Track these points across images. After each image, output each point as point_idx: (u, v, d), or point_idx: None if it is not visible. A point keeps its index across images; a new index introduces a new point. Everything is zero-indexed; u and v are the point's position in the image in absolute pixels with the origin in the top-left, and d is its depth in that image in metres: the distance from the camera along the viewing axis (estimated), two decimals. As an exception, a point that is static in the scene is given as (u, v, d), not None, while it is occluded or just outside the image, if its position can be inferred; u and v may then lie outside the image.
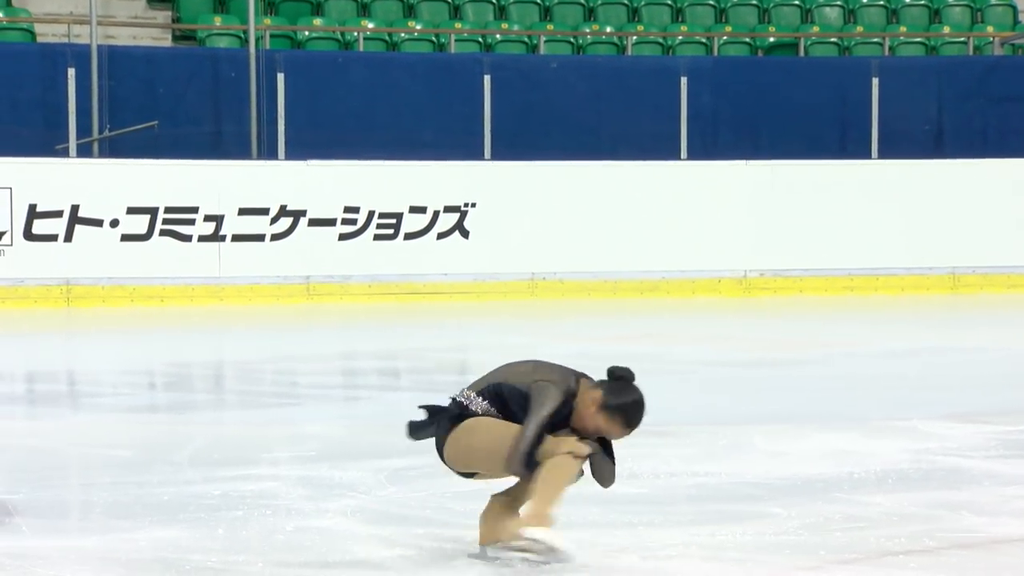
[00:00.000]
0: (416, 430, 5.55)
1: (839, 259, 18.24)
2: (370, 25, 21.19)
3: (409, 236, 17.52)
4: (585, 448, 5.31)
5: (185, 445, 8.20)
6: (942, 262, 18.43)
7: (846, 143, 19.82)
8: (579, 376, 5.43)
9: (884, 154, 19.30)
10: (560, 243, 17.79)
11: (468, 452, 5.42)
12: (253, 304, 16.99)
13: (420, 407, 5.54)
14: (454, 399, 5.48)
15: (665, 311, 16.91)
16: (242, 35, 19.86)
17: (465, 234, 17.62)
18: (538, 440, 5.28)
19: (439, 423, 5.48)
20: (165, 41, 21.11)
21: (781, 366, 12.11)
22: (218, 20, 20.91)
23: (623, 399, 5.36)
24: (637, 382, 5.39)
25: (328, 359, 13.06)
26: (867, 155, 19.35)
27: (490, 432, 5.37)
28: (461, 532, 5.90)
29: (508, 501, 5.51)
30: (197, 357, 13.38)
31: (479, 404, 5.42)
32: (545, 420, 5.30)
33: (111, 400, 10.71)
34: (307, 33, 20.95)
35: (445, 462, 5.52)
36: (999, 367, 12.06)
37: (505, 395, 5.40)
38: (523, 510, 5.40)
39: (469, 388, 5.48)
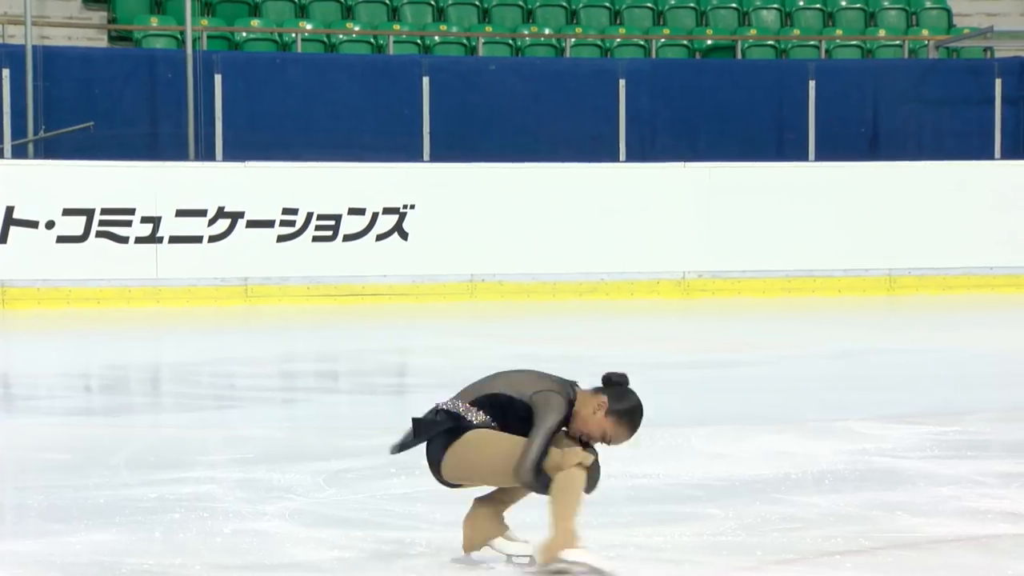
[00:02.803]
0: (402, 445, 5.38)
1: (777, 261, 18.34)
2: (308, 26, 21.14)
3: (348, 238, 17.48)
4: (590, 457, 5.24)
5: (122, 448, 8.16)
6: (878, 264, 18.56)
7: (783, 145, 19.93)
8: (573, 383, 5.38)
9: (820, 156, 19.42)
10: (499, 245, 17.80)
11: (472, 465, 5.27)
12: (191, 306, 16.91)
13: (413, 420, 5.35)
14: (445, 410, 5.30)
15: (604, 313, 16.95)
16: (179, 36, 19.77)
17: (404, 236, 17.60)
18: (546, 451, 5.20)
19: (432, 436, 5.30)
20: (101, 42, 20.98)
21: (719, 368, 12.16)
22: (154, 21, 20.80)
23: (629, 404, 5.34)
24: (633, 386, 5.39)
25: (266, 361, 13.02)
26: (804, 157, 19.47)
27: (496, 445, 5.24)
28: (400, 534, 5.90)
29: (493, 505, 5.42)
30: (134, 359, 13.31)
31: (475, 415, 5.28)
32: (552, 430, 5.22)
33: (47, 403, 10.64)
34: (244, 34, 20.87)
35: (439, 475, 5.33)
36: (934, 368, 12.15)
37: (504, 405, 5.28)
38: (550, 534, 5.22)
39: (457, 398, 5.32)
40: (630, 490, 6.65)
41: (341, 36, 21.11)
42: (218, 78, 18.23)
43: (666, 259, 18.15)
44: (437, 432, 5.30)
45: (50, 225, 16.76)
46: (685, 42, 22.22)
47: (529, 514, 5.50)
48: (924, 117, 20.40)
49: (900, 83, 20.53)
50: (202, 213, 17.13)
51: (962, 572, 5.48)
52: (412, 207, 17.64)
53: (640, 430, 5.44)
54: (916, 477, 7.16)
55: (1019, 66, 20.61)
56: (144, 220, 16.97)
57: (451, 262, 17.71)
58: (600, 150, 19.07)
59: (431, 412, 5.37)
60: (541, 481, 5.21)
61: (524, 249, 17.85)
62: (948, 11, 23.36)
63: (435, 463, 5.33)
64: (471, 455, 5.27)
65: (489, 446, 5.25)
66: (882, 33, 22.89)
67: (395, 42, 20.90)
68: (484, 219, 17.82)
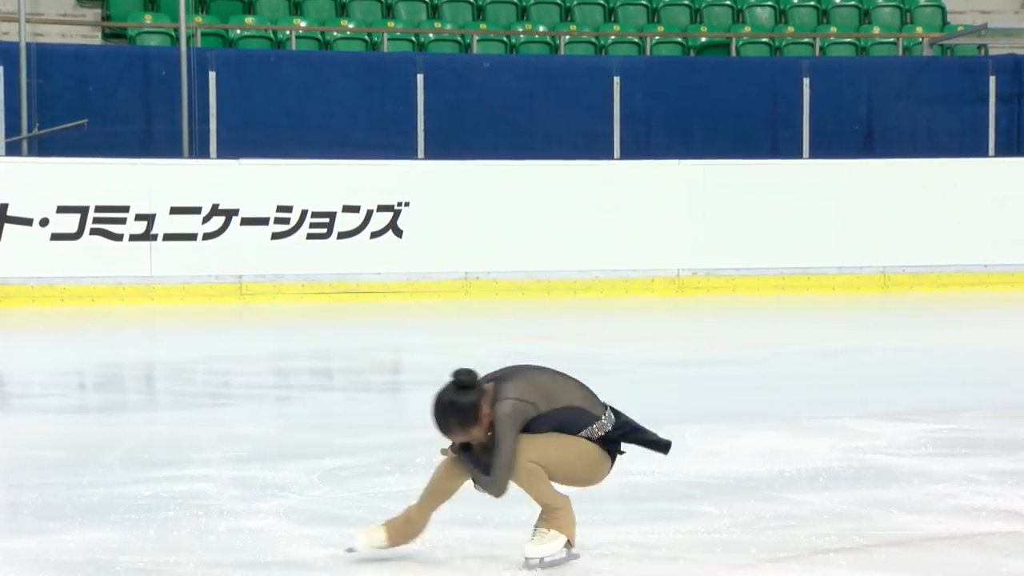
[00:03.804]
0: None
1: (771, 258, 18.34)
2: (302, 24, 21.12)
3: (342, 235, 17.48)
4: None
5: (116, 446, 8.15)
6: (873, 261, 18.56)
7: (777, 143, 19.93)
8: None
9: (815, 154, 19.42)
10: (494, 242, 17.79)
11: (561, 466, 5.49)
12: (185, 304, 16.90)
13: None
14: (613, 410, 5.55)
15: (598, 310, 16.95)
16: (173, 33, 19.76)
17: (399, 233, 17.60)
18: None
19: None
20: (95, 39, 20.97)
21: (713, 365, 12.16)
22: (148, 18, 20.78)
23: None
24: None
25: (261, 359, 13.01)
26: (798, 155, 19.47)
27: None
28: (394, 532, 5.89)
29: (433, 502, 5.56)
30: (128, 357, 13.30)
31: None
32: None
33: (41, 401, 10.63)
34: (239, 31, 20.87)
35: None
36: (928, 366, 12.16)
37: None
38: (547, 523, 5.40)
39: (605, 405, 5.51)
40: (624, 487, 6.64)
41: (335, 33, 21.11)
42: (212, 75, 18.22)
43: (660, 257, 18.14)
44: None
45: (44, 223, 16.75)
46: (679, 39, 22.22)
47: (526, 511, 5.50)
48: (918, 115, 20.40)
49: (894, 81, 20.53)
50: (196, 211, 17.12)
51: (956, 570, 5.49)
52: (406, 204, 17.63)
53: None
54: (910, 475, 7.16)
55: (1013, 64, 20.62)
56: (138, 218, 16.95)
57: (445, 259, 17.70)
58: (594, 147, 19.06)
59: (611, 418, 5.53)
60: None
61: (519, 246, 17.85)
62: (942, 8, 23.37)
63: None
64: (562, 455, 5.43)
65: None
66: (876, 30, 22.89)
67: (389, 39, 20.90)
68: (478, 216, 17.82)
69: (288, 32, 20.68)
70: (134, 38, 20.60)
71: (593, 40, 21.92)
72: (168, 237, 17.01)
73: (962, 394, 10.40)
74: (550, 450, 5.35)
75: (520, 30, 21.79)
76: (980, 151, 19.84)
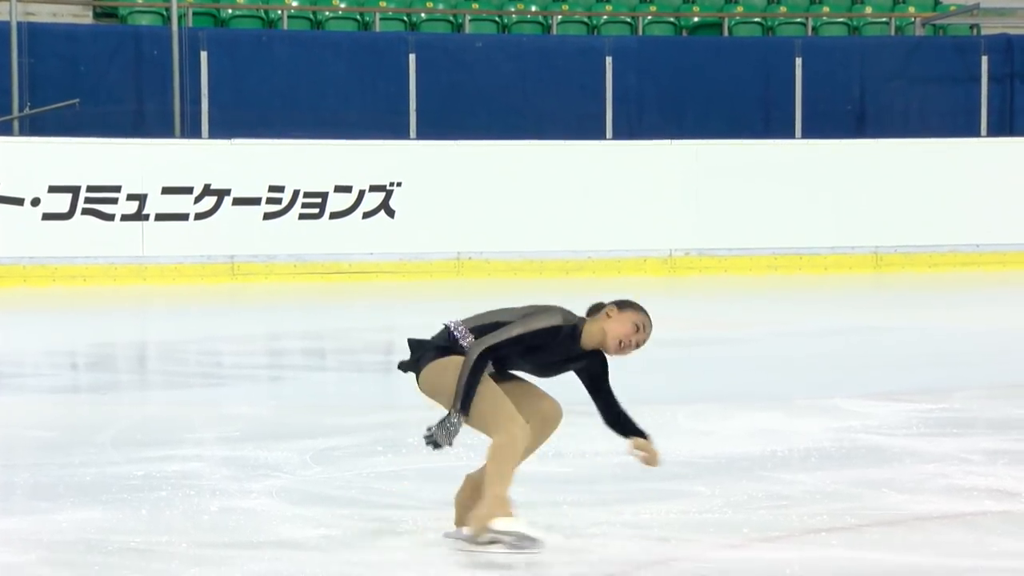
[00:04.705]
0: (402, 365, 5.50)
1: (763, 238, 18.34)
2: (294, 3, 21.09)
3: (334, 215, 17.47)
4: (520, 420, 5.30)
5: (108, 426, 8.15)
6: (865, 241, 18.57)
7: (770, 123, 19.93)
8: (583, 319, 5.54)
9: (807, 134, 19.43)
10: (486, 222, 17.79)
11: (439, 389, 5.36)
12: (177, 284, 16.89)
13: (408, 339, 5.49)
14: (446, 326, 5.43)
15: (591, 290, 16.92)
16: (164, 13, 19.72)
17: (391, 213, 17.59)
18: (479, 372, 5.25)
19: (424, 351, 5.43)
20: (86, 18, 20.92)
21: (705, 345, 12.17)
22: (140, -2, 20.74)
23: (628, 299, 5.62)
24: None
25: (253, 339, 13.00)
26: (791, 135, 19.47)
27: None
28: (386, 512, 5.90)
29: (479, 481, 5.40)
30: (120, 337, 13.28)
31: (469, 340, 5.36)
32: (507, 341, 5.29)
33: (33, 381, 10.62)
34: (230, 11, 20.82)
35: (420, 387, 5.46)
36: (920, 346, 12.17)
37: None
38: (479, 505, 5.25)
39: (463, 322, 5.43)
40: (616, 467, 6.64)
41: (327, 13, 21.07)
42: (204, 55, 18.19)
43: (653, 237, 18.15)
44: (431, 348, 5.41)
45: (36, 202, 16.73)
46: (672, 19, 22.20)
47: (519, 491, 5.50)
48: (911, 95, 20.41)
49: (886, 61, 20.53)
50: (188, 191, 17.11)
51: (947, 549, 5.50)
52: (399, 185, 17.62)
53: (628, 407, 5.47)
54: (902, 454, 7.17)
55: (1005, 43, 20.62)
56: (130, 198, 16.93)
57: (438, 240, 17.70)
58: (587, 128, 19.06)
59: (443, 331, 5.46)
60: (465, 409, 5.24)
61: (511, 227, 17.85)
62: (935, -12, 23.38)
63: (417, 375, 5.43)
64: (441, 379, 5.33)
65: (455, 374, 5.31)
66: (868, 10, 22.88)
67: (381, 19, 20.86)
68: (470, 197, 17.81)
69: (280, 12, 20.64)
70: (125, 18, 20.56)
71: (585, 20, 21.90)
72: (160, 217, 17.00)
73: (954, 374, 10.41)
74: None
75: (512, 10, 21.76)
76: (972, 131, 19.86)
